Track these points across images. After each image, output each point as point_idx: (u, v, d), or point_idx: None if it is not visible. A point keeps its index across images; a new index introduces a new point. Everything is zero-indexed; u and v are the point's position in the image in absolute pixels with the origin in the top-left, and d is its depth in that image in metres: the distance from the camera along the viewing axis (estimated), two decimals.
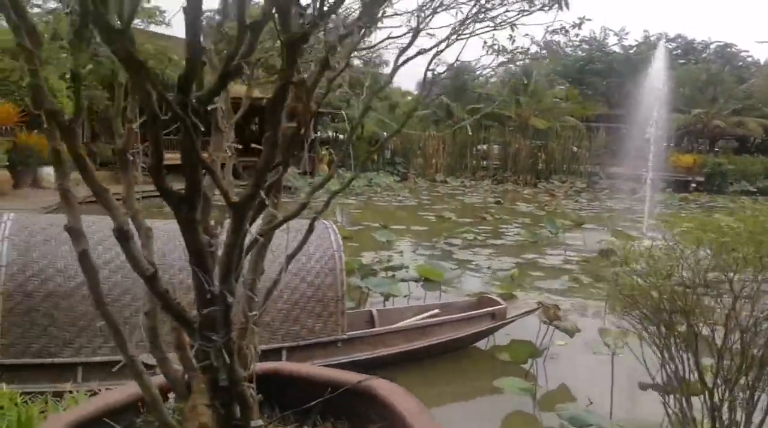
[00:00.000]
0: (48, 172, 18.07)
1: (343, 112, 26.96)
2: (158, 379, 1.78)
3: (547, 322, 5.71)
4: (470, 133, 31.05)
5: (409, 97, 38.15)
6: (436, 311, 6.52)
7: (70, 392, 3.66)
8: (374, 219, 16.51)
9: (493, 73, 32.51)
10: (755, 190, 27.98)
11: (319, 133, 27.83)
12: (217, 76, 1.25)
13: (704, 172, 29.34)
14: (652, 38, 42.58)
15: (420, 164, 30.41)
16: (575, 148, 30.33)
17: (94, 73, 21.03)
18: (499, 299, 6.59)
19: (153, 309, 1.79)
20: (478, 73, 32.18)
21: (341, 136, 30.52)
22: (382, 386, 1.94)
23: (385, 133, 30.62)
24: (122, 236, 1.53)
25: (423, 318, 6.35)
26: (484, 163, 31.59)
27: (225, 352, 1.45)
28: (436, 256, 10.34)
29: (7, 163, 16.36)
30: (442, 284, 7.85)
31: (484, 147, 32.15)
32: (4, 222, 4.75)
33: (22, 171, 16.98)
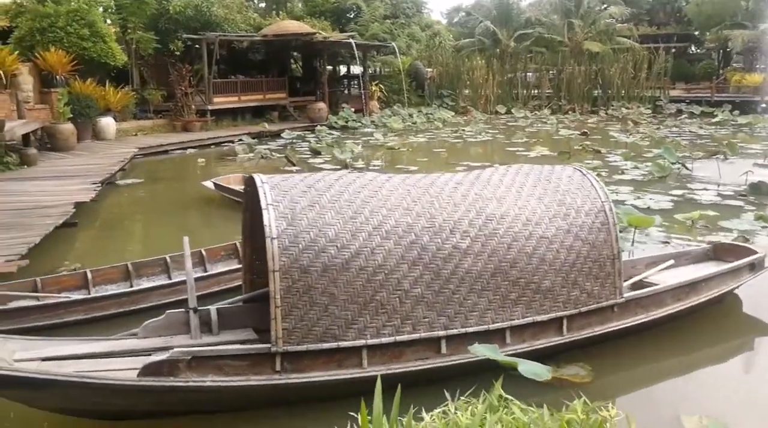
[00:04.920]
0: (107, 121, 17.17)
1: (394, 44, 25.77)
2: None
3: None
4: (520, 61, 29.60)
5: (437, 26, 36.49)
6: (671, 262, 5.78)
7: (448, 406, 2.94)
8: (461, 158, 15.61)
9: None
10: None
11: (369, 68, 26.53)
12: None
13: None
14: None
15: (469, 96, 29.10)
16: (634, 72, 28.72)
17: (139, 14, 19.81)
18: (750, 246, 5.82)
19: None
20: None
21: (386, 71, 29.17)
22: None
23: (422, 64, 29.28)
24: None
25: (660, 271, 5.64)
26: (536, 91, 30.19)
27: None
28: None
29: (71, 116, 15.47)
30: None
31: (535, 75, 30.63)
32: (261, 186, 3.96)
33: (82, 123, 16.07)
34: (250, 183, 4.32)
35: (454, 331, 4.05)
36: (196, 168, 14.72)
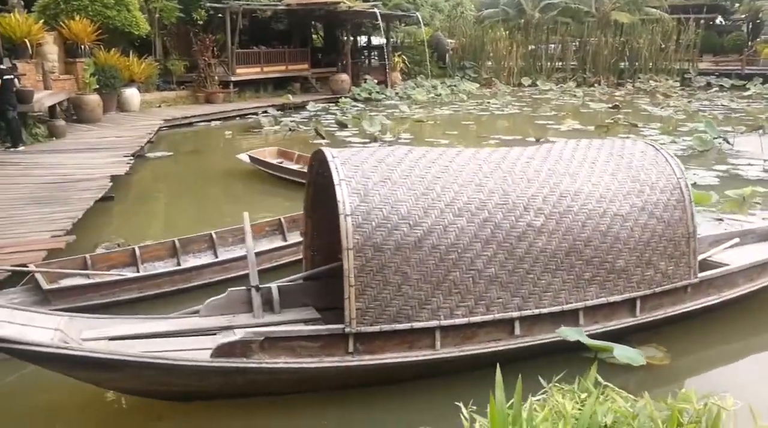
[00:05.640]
0: (131, 92, 17.01)
1: (418, 14, 25.27)
2: None
3: None
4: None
5: None
6: (737, 240, 5.59)
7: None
8: (491, 131, 15.35)
9: None
10: None
11: (392, 38, 26.05)
12: None
13: None
14: None
15: (491, 67, 28.58)
16: (664, 44, 27.97)
17: None
18: None
19: None
20: None
21: (406, 41, 28.67)
22: None
23: (443, 35, 28.74)
24: None
25: (725, 249, 5.45)
26: (560, 63, 29.58)
27: None
28: None
29: (97, 86, 15.31)
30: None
31: (557, 46, 30.00)
32: (332, 161, 3.79)
33: (107, 94, 15.91)
34: (318, 157, 4.16)
35: (528, 312, 3.91)
36: (223, 140, 14.58)
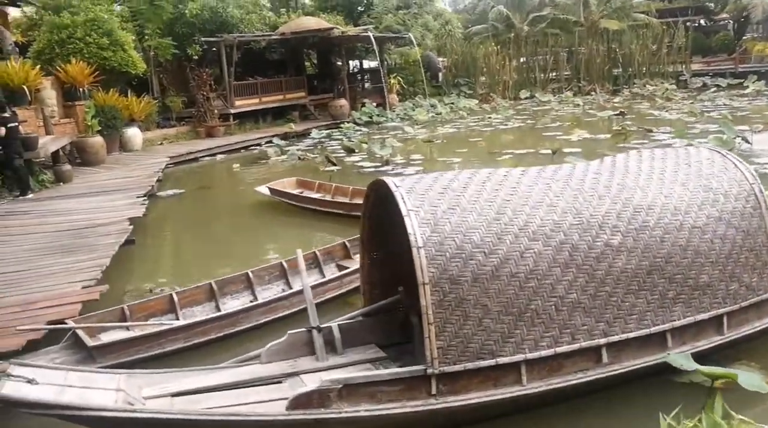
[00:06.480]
0: (133, 132, 16.81)
1: (410, 35, 25.28)
2: None
3: None
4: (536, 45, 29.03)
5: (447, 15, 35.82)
6: None
7: None
8: (500, 146, 15.20)
9: None
10: None
11: (386, 61, 26.01)
12: None
13: None
14: None
15: (486, 83, 28.57)
16: (656, 48, 28.11)
17: (155, 19, 19.36)
18: None
19: None
20: None
21: (398, 63, 28.64)
22: None
23: (433, 53, 28.74)
24: None
25: None
26: (554, 74, 29.63)
27: None
28: None
29: (99, 128, 15.08)
30: None
31: (546, 57, 30.04)
32: (396, 191, 3.56)
33: (109, 135, 15.68)
34: (376, 187, 3.93)
35: (615, 338, 3.66)
36: (231, 173, 14.35)
